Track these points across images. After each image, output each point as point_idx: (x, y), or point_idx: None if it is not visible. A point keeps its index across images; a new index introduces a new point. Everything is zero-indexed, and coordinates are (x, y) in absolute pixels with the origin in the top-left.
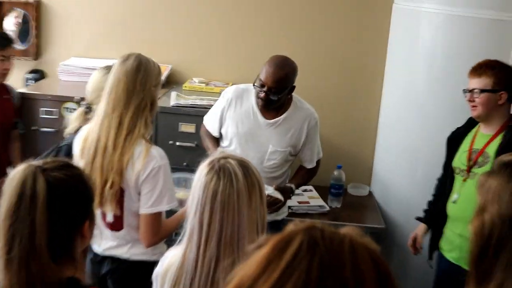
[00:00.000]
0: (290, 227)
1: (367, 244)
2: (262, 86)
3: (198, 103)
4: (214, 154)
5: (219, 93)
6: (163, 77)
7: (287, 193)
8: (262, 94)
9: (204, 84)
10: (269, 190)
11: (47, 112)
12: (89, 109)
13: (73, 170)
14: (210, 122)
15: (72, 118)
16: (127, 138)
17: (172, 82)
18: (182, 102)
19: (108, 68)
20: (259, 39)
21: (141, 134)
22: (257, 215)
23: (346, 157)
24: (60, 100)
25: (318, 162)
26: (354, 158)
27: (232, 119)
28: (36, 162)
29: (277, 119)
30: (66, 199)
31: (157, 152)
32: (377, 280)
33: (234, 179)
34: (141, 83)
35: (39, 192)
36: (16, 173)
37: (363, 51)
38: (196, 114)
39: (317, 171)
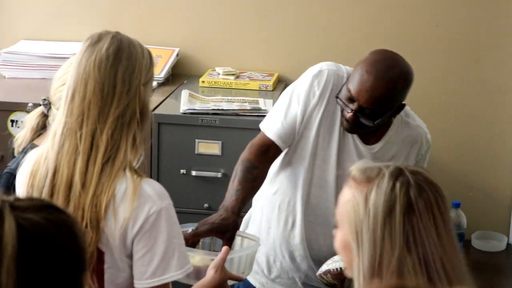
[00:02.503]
0: None
1: None
2: (350, 100)
3: (226, 108)
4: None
5: (258, 91)
6: (167, 66)
7: None
8: (348, 114)
9: (233, 77)
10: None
11: None
12: (49, 108)
13: (56, 214)
14: (278, 125)
15: (24, 123)
16: (105, 169)
17: (182, 74)
18: (199, 106)
19: None
20: (325, 6)
21: (126, 162)
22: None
23: (467, 191)
24: (4, 110)
25: None
26: (480, 192)
27: (317, 126)
28: (3, 195)
29: (375, 145)
30: (43, 253)
31: (152, 188)
32: None
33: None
34: (123, 79)
35: (6, 238)
36: None
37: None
38: (222, 125)
39: None
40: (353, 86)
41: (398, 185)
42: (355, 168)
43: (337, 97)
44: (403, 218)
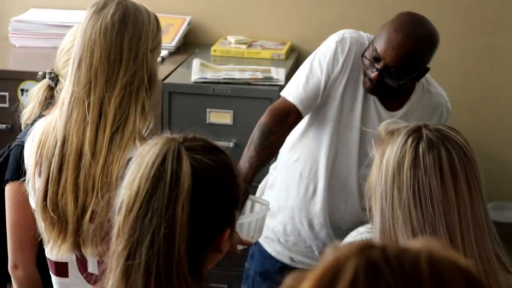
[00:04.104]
0: (333, 252)
1: (456, 260)
2: (376, 60)
3: (237, 77)
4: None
5: (271, 59)
6: (178, 35)
7: None
8: (373, 74)
9: (245, 46)
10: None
11: None
12: (56, 82)
13: (221, 156)
14: (300, 90)
15: (31, 97)
16: (114, 138)
17: (193, 43)
18: (210, 75)
19: None
20: None
21: (136, 131)
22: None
23: (482, 161)
24: (14, 78)
25: None
26: (495, 163)
27: (341, 93)
28: (176, 135)
29: (397, 112)
30: (211, 193)
31: None
32: None
33: (464, 148)
34: (130, 46)
35: (183, 178)
36: (152, 146)
37: None
38: (234, 94)
39: None
40: (379, 45)
41: (410, 140)
42: (382, 126)
43: (362, 56)
44: (410, 172)
